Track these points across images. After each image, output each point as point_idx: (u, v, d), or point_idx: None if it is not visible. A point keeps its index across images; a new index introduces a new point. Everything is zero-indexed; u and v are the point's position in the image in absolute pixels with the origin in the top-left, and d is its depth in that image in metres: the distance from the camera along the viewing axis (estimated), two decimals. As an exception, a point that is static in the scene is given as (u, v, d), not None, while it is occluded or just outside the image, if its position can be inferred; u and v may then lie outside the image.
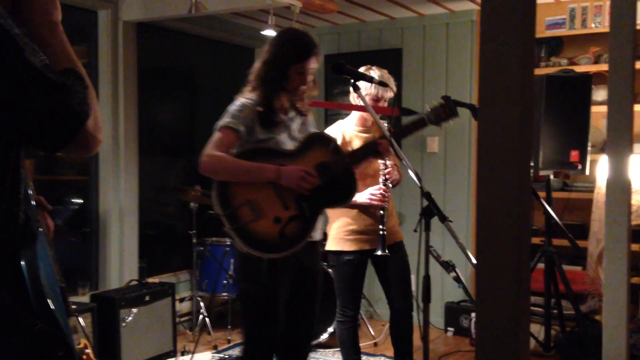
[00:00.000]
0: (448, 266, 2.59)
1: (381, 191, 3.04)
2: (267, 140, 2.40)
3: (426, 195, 1.96)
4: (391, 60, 5.03)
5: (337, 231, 3.19)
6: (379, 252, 3.01)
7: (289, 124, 2.49)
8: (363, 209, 3.13)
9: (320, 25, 5.26)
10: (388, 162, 3.05)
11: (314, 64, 2.45)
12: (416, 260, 2.15)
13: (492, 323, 1.53)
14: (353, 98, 3.26)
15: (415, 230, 2.01)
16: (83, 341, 3.31)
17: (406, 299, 3.22)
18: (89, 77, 1.16)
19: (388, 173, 3.04)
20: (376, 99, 3.05)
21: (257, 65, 2.49)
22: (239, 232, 2.27)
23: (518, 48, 1.48)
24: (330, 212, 3.24)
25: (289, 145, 2.44)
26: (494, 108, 1.53)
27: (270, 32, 3.31)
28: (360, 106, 2.86)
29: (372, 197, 3.04)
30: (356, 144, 3.07)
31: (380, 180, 3.08)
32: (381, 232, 2.99)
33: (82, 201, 4.47)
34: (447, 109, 2.57)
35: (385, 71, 3.11)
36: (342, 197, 2.47)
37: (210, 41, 5.17)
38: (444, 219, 1.93)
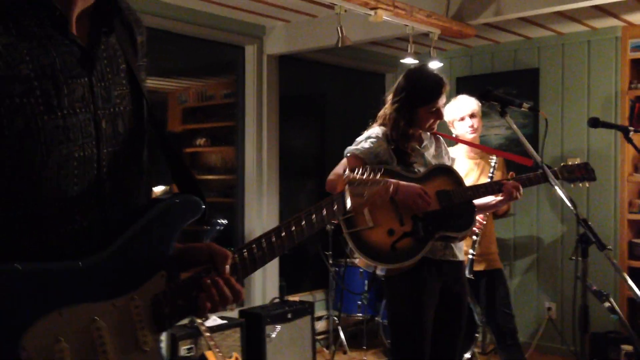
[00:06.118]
0: (602, 295, 2.49)
1: (478, 218, 3.19)
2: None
3: (583, 222, 1.92)
4: (527, 80, 4.92)
5: None
6: (466, 274, 3.22)
7: (423, 152, 2.57)
8: None
9: (452, 49, 5.26)
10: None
11: (444, 100, 2.54)
12: (560, 287, 2.09)
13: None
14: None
15: (571, 258, 1.98)
16: (235, 354, 3.54)
17: (501, 321, 3.32)
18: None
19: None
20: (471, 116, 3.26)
21: (388, 105, 2.56)
22: (353, 237, 2.35)
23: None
24: None
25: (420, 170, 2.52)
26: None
27: (409, 60, 3.40)
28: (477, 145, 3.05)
29: None
30: (463, 164, 3.26)
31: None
32: (470, 256, 3.20)
33: (227, 221, 4.79)
34: (584, 171, 2.60)
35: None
36: (459, 226, 2.48)
37: (341, 69, 5.36)
38: (602, 247, 1.89)
